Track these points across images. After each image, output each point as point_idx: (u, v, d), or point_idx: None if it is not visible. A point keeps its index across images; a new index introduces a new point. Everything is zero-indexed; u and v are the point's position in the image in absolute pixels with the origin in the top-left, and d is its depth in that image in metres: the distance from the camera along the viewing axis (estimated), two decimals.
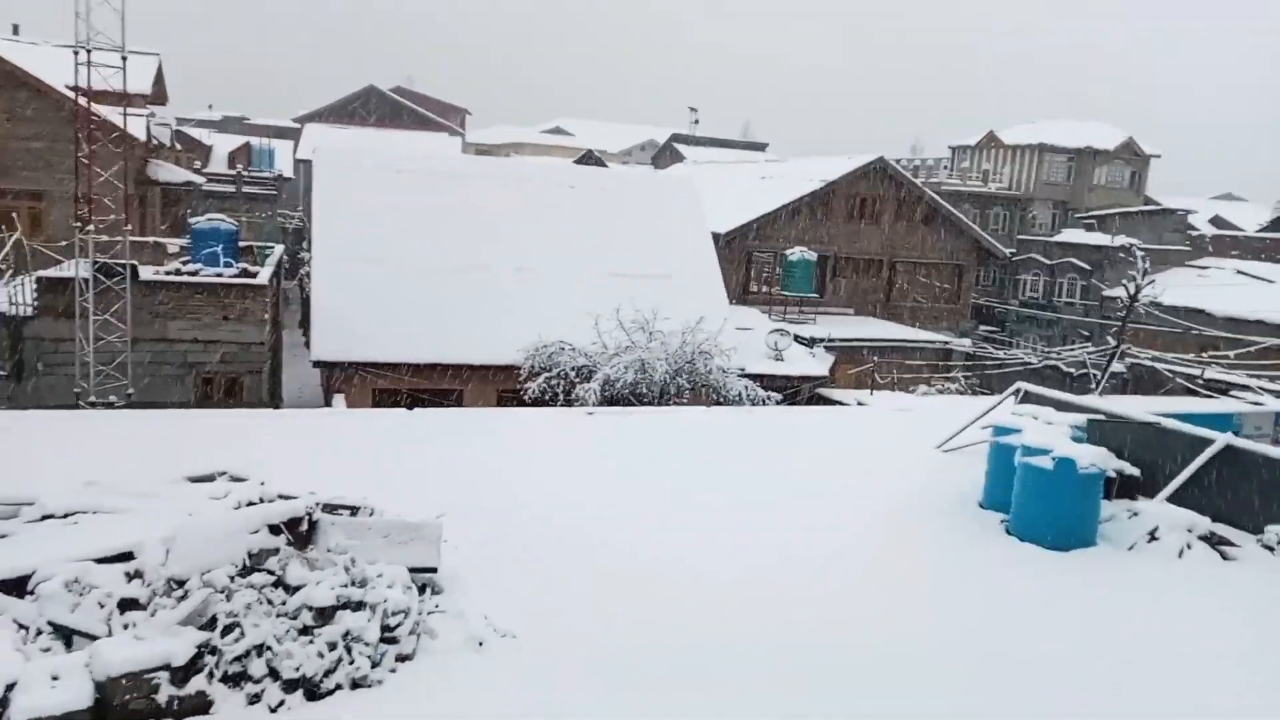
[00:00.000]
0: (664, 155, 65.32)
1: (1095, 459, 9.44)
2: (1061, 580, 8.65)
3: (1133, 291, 31.78)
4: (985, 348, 35.96)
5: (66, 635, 5.81)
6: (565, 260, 24.31)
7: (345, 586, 6.17)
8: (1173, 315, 36.84)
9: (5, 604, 6.07)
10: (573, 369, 20.01)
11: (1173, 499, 10.24)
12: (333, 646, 5.87)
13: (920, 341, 31.31)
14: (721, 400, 20.23)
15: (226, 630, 5.71)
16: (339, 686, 5.84)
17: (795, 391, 24.05)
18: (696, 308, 21.71)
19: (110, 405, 17.32)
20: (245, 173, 49.12)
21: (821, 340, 27.90)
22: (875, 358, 28.63)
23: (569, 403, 19.09)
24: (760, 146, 73.75)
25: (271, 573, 6.13)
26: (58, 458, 9.78)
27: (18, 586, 6.19)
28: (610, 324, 20.56)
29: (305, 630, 5.89)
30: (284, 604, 5.98)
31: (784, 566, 8.57)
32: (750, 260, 34.46)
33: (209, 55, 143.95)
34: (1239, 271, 43.52)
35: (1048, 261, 46.69)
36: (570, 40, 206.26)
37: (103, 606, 5.88)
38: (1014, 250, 46.55)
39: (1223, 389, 28.09)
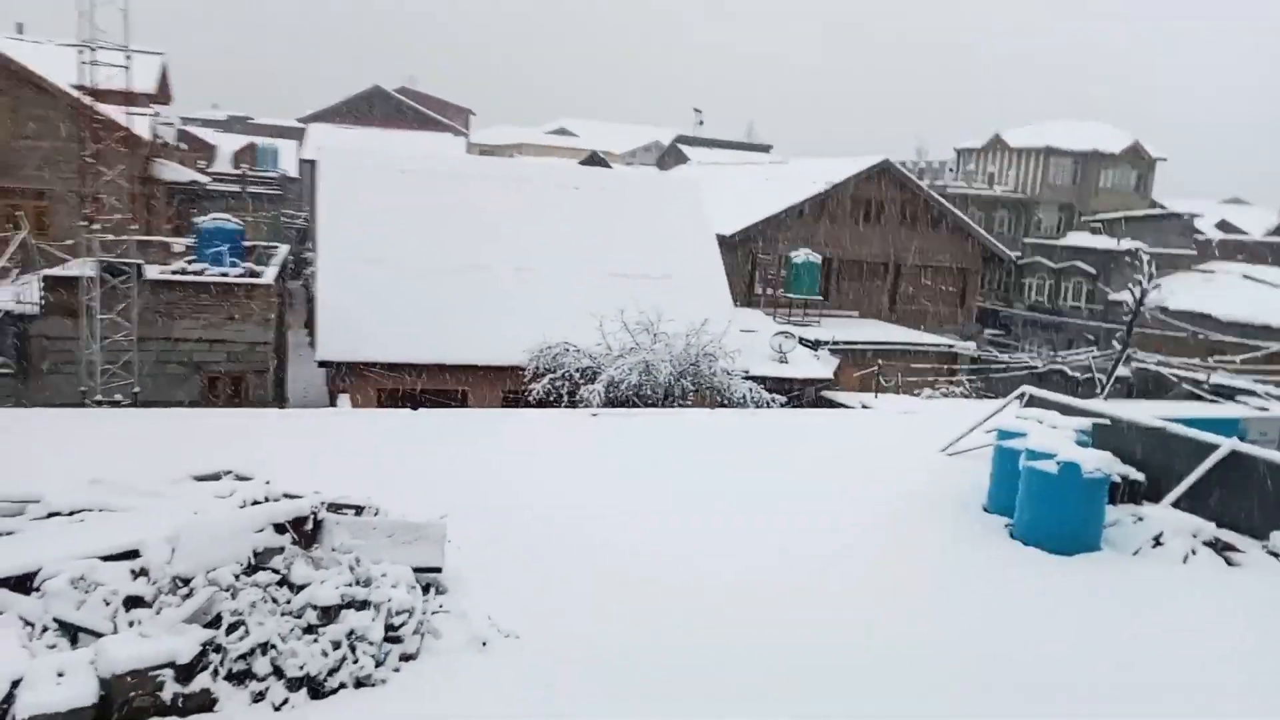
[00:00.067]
0: (668, 156, 65.32)
1: (1100, 464, 9.42)
2: (1065, 584, 8.63)
3: (1138, 296, 31.73)
4: (990, 351, 35.93)
5: (72, 632, 5.82)
6: (569, 261, 24.33)
7: (350, 586, 6.18)
8: (1178, 320, 36.78)
9: (11, 601, 6.09)
10: (577, 370, 20.01)
11: (1178, 504, 10.23)
12: (337, 645, 5.88)
13: (925, 344, 31.29)
14: (726, 402, 20.21)
15: (231, 628, 5.72)
16: (343, 685, 5.85)
17: (799, 394, 24.04)
18: (701, 309, 21.70)
19: (116, 404, 17.36)
20: (250, 172, 49.19)
21: (826, 343, 27.89)
22: (879, 360, 28.60)
23: (573, 404, 19.09)
24: (764, 148, 73.71)
25: (276, 571, 6.14)
26: (64, 456, 9.80)
27: (24, 583, 6.21)
28: (614, 325, 20.56)
29: (310, 629, 5.90)
30: (289, 603, 5.99)
31: (786, 568, 8.56)
32: (754, 262, 34.46)
33: (214, 55, 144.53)
34: (1245, 276, 43.45)
35: (1053, 265, 46.64)
36: (574, 41, 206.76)
37: (108, 604, 5.89)
38: (1019, 254, 46.51)
39: (1228, 394, 28.03)
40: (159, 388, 18.92)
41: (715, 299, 24.79)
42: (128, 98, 18.36)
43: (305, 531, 6.79)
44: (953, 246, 37.52)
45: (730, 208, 33.88)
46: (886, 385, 27.20)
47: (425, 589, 6.92)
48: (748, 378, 21.25)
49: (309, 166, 48.13)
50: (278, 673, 5.71)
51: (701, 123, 70.56)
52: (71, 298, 18.13)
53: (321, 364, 20.98)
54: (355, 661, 5.92)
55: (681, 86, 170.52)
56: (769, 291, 33.72)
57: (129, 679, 5.34)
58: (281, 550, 6.30)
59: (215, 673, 5.60)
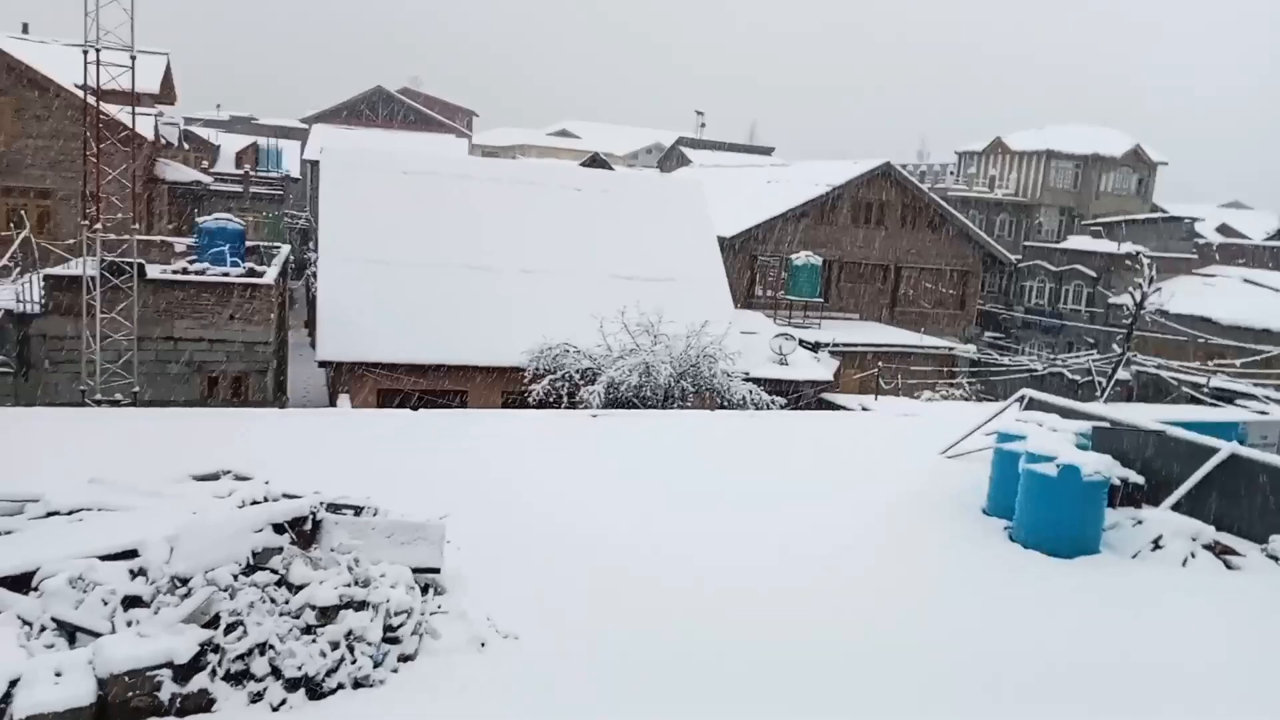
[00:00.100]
0: (670, 158, 65.33)
1: (1099, 466, 9.42)
2: (1064, 587, 8.62)
3: (1139, 299, 31.72)
4: (990, 354, 35.93)
5: (70, 632, 5.83)
6: (570, 263, 24.34)
7: (348, 586, 6.18)
8: (1179, 323, 36.76)
9: (9, 600, 6.10)
10: (577, 371, 20.02)
11: (1177, 507, 10.22)
12: (335, 646, 5.88)
13: (925, 347, 31.28)
14: (725, 404, 20.22)
15: (229, 629, 5.72)
16: (341, 686, 5.85)
17: (799, 396, 24.04)
18: (701, 311, 21.71)
19: (116, 403, 17.37)
20: (252, 173, 49.22)
21: (826, 345, 27.90)
22: (880, 363, 28.61)
23: (573, 405, 19.10)
24: (767, 150, 73.70)
25: (275, 571, 6.15)
26: (63, 455, 9.81)
27: (22, 583, 6.22)
28: (615, 326, 20.57)
29: (308, 629, 5.90)
30: (287, 603, 5.99)
31: (786, 568, 8.56)
32: (755, 264, 34.47)
33: (217, 56, 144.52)
34: (1245, 280, 43.43)
35: (1054, 268, 46.60)
36: (577, 43, 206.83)
37: (106, 604, 5.90)
38: (1020, 257, 46.48)
39: (1228, 398, 28.01)
40: (159, 387, 18.93)
41: (716, 301, 24.80)
42: (132, 98, 18.37)
43: (304, 532, 6.80)
44: (953, 249, 37.52)
45: (732, 209, 33.89)
46: (886, 387, 27.21)
47: (424, 589, 6.92)
48: (748, 379, 21.26)
49: (311, 167, 48.23)
50: (276, 673, 5.71)
51: (703, 125, 70.53)
52: (73, 297, 18.14)
53: (322, 364, 21.00)
54: (353, 662, 5.93)
55: (683, 89, 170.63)
56: (770, 293, 33.74)
57: (127, 679, 5.34)
58: (280, 550, 6.30)
59: (213, 673, 5.60)
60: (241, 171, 48.76)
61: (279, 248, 25.94)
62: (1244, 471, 10.08)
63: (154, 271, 19.62)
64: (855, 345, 29.41)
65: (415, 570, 6.84)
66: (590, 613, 7.21)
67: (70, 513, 7.29)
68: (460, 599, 7.09)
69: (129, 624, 5.77)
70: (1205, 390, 29.36)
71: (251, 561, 6.14)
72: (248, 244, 22.96)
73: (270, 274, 21.05)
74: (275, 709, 5.63)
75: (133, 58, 17.61)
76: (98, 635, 5.71)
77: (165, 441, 10.93)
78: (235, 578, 5.98)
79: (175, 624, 5.66)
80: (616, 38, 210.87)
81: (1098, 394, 30.02)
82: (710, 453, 12.95)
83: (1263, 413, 19.80)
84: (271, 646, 5.74)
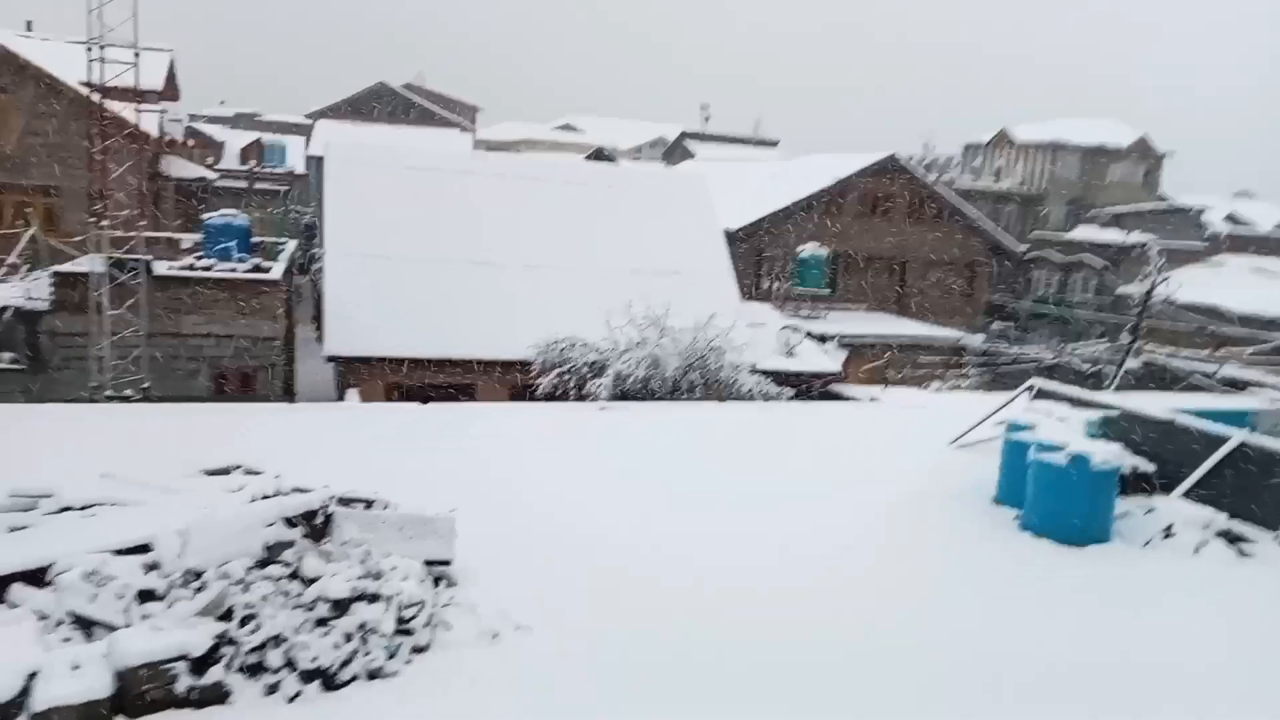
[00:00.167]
0: (675, 152, 65.20)
1: (1110, 455, 9.40)
2: (1075, 576, 8.61)
3: (1147, 289, 31.59)
4: (998, 344, 35.82)
5: (86, 625, 5.86)
6: (576, 256, 24.33)
7: (360, 579, 6.21)
8: (1188, 313, 36.62)
9: (26, 595, 6.13)
10: (585, 365, 20.02)
11: (1189, 495, 10.20)
12: (349, 638, 5.90)
13: (933, 338, 31.22)
14: (733, 396, 20.21)
15: (244, 621, 5.75)
16: (355, 677, 5.88)
17: (807, 388, 24.00)
18: (708, 304, 21.67)
19: (126, 399, 17.43)
20: (258, 169, 49.31)
21: (834, 337, 27.84)
22: (888, 354, 28.56)
23: (581, 398, 19.10)
24: (772, 143, 73.48)
25: (288, 565, 6.17)
26: (75, 451, 9.84)
27: (38, 577, 6.25)
28: (622, 320, 20.56)
29: (321, 622, 5.93)
30: (300, 596, 6.01)
31: (794, 562, 8.55)
32: (762, 257, 34.42)
33: (221, 52, 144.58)
34: (1255, 269, 43.24)
35: (1061, 259, 46.46)
36: (580, 37, 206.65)
37: (121, 598, 5.92)
38: (1027, 248, 46.35)
39: (1238, 386, 27.90)
40: (168, 383, 18.99)
41: (722, 294, 24.78)
42: (136, 95, 18.39)
43: (316, 525, 6.81)
44: (960, 241, 37.43)
45: (737, 202, 33.83)
46: (894, 379, 27.16)
47: (436, 582, 6.94)
48: (755, 371, 21.23)
49: (316, 163, 48.19)
50: (290, 665, 5.73)
51: (708, 118, 70.35)
52: (81, 294, 18.20)
53: (329, 359, 21.02)
54: (367, 654, 5.95)
55: (688, 82, 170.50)
56: (777, 286, 33.68)
57: (143, 672, 5.37)
58: (292, 544, 6.32)
59: (228, 665, 5.63)
60: (246, 167, 48.85)
61: (285, 243, 25.97)
62: (1256, 459, 10.04)
63: (161, 268, 19.67)
64: (863, 337, 29.35)
65: (426, 563, 6.86)
66: (590, 613, 7.17)
67: (83, 508, 7.31)
68: (471, 591, 7.10)
69: (144, 618, 5.80)
70: (1215, 379, 29.22)
71: (264, 555, 6.16)
72: (254, 240, 22.99)
73: (277, 269, 21.09)
74: (290, 700, 5.65)
75: (136, 54, 17.64)
76: (113, 629, 5.73)
77: (175, 436, 10.98)
78: (248, 571, 6.00)
79: (190, 617, 5.69)
80: (616, 37, 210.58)
81: (1106, 383, 29.92)
82: (717, 445, 12.94)
83: (1274, 401, 19.72)
84: (286, 639, 5.76)
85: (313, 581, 6.11)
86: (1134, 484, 10.27)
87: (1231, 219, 58.24)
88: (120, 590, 5.95)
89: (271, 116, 69.83)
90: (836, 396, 23.81)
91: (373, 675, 5.94)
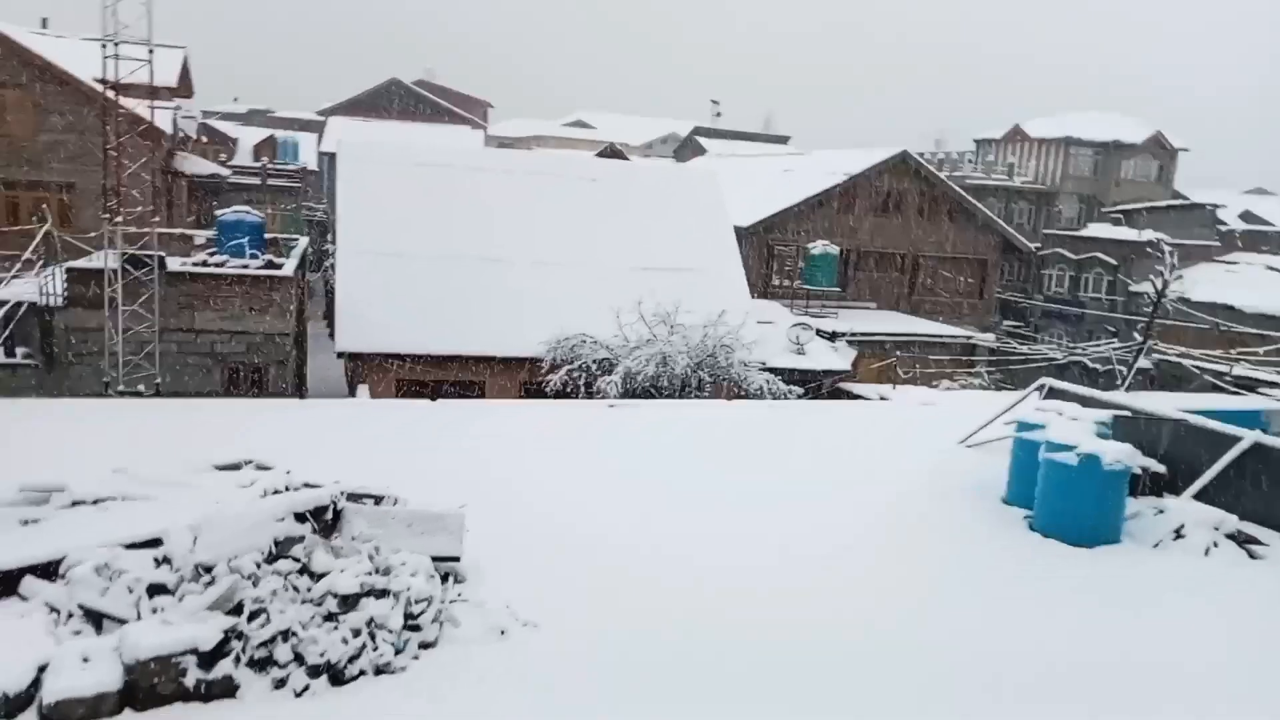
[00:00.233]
0: (686, 148, 65.18)
1: (1120, 455, 9.35)
2: (1085, 577, 8.57)
3: (1160, 287, 31.41)
4: (1009, 343, 35.68)
5: (97, 619, 5.91)
6: (586, 253, 24.34)
7: (369, 574, 6.24)
8: (1201, 311, 36.38)
9: (37, 588, 6.19)
10: (594, 362, 20.05)
11: (1200, 496, 10.14)
12: (357, 633, 5.93)
13: (943, 336, 31.11)
14: (742, 394, 20.20)
15: (253, 616, 5.78)
16: (363, 672, 5.91)
17: (817, 385, 23.97)
18: (718, 301, 21.67)
19: (138, 394, 17.53)
20: (270, 165, 49.48)
21: (843, 334, 27.79)
22: (898, 352, 28.49)
23: (590, 395, 19.13)
24: (782, 139, 73.40)
25: (297, 560, 6.20)
26: (87, 446, 9.92)
27: (50, 571, 6.30)
28: (631, 317, 20.56)
29: (330, 617, 5.96)
30: (309, 591, 6.05)
31: (803, 560, 8.55)
32: (772, 254, 34.35)
33: (234, 49, 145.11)
34: (1269, 267, 42.90)
35: (1073, 256, 46.16)
36: (592, 33, 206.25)
37: (132, 591, 5.97)
38: (1039, 245, 46.10)
39: (1251, 386, 27.72)
40: (181, 378, 19.10)
41: (732, 291, 24.75)
42: (150, 92, 18.47)
43: (325, 520, 6.85)
44: (971, 238, 37.26)
45: (748, 199, 33.76)
46: (904, 377, 27.09)
47: (444, 578, 6.96)
48: (765, 369, 21.22)
49: (328, 159, 48.38)
50: (299, 660, 5.77)
51: (719, 114, 70.36)
52: (94, 290, 18.30)
53: (340, 355, 21.11)
54: (375, 649, 5.98)
55: (689, 82, 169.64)
56: (787, 283, 33.61)
57: (153, 665, 5.41)
58: (302, 539, 6.36)
59: (237, 659, 5.66)
60: (259, 164, 49.00)
61: (297, 240, 26.07)
62: (1268, 460, 9.98)
63: (174, 264, 19.77)
64: (873, 335, 29.28)
65: (435, 559, 6.88)
66: (590, 612, 7.16)
67: (95, 502, 7.38)
68: (479, 588, 7.13)
69: (154, 611, 5.84)
70: (1228, 379, 29.06)
71: (274, 550, 6.19)
72: (266, 236, 23.07)
73: (289, 266, 21.16)
74: (299, 695, 5.69)
75: (150, 51, 17.69)
76: (124, 622, 5.78)
77: (187, 432, 11.05)
78: (258, 566, 6.03)
79: (200, 611, 5.72)
80: (616, 38, 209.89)
81: (1118, 383, 29.77)
82: (727, 442, 12.93)
83: None
84: (294, 634, 5.80)
85: (322, 577, 6.14)
86: (1145, 485, 10.23)
87: (1246, 216, 57.80)
88: (131, 584, 6.00)
89: (284, 113, 70.15)
90: (846, 395, 23.76)
91: (380, 671, 5.97)
